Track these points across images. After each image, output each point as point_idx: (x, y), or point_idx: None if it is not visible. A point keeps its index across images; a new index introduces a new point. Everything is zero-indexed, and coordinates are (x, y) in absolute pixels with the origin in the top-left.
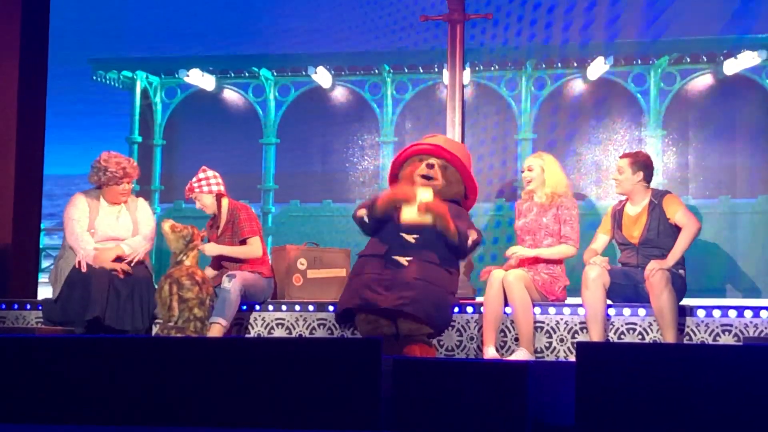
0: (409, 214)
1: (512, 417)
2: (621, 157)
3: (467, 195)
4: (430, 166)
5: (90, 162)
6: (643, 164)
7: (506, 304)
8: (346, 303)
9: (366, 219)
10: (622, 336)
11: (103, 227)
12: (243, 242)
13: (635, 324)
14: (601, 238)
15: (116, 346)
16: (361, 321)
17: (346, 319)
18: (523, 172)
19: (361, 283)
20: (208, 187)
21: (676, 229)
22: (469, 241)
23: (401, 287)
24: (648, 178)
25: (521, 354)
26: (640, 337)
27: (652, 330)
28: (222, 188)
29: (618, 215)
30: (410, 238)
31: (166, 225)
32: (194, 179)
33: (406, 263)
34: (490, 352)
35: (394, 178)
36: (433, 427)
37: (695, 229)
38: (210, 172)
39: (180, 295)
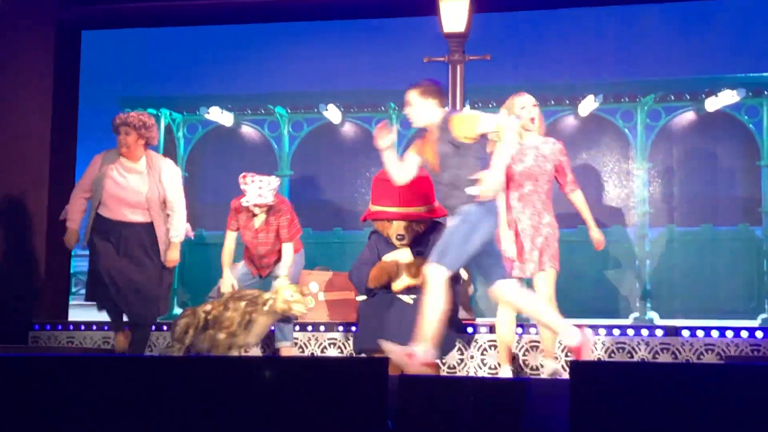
0: (398, 285)
1: (510, 429)
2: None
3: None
4: (400, 238)
5: None
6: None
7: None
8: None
9: (366, 296)
10: (612, 354)
11: (110, 186)
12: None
13: (624, 343)
14: None
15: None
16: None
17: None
18: (523, 108)
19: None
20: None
21: None
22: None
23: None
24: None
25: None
26: (629, 355)
27: (640, 349)
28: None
29: None
30: (408, 299)
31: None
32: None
33: (411, 302)
34: (503, 372)
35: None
36: None
37: None
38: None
39: (250, 318)
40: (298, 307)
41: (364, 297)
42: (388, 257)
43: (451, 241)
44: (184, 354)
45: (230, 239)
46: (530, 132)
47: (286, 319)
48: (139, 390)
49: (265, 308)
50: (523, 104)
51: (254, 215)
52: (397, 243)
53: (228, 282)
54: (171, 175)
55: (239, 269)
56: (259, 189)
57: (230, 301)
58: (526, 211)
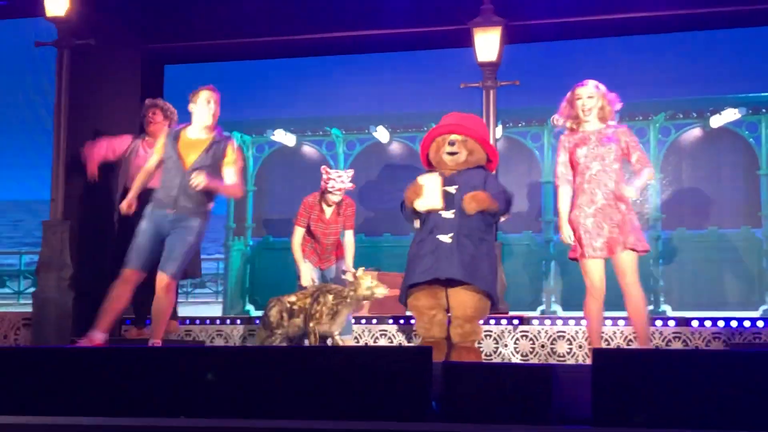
0: (423, 205)
1: (540, 410)
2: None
3: (490, 159)
4: (452, 143)
5: None
6: None
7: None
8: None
9: (410, 212)
10: (630, 343)
11: (136, 158)
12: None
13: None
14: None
15: (223, 354)
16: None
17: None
18: (579, 99)
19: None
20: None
21: None
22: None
23: (449, 262)
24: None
25: None
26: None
27: (654, 338)
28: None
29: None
30: (446, 238)
31: (367, 280)
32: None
33: (448, 240)
34: None
35: (425, 161)
36: (474, 417)
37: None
38: (329, 173)
39: (337, 310)
40: (379, 291)
41: (417, 224)
42: (421, 178)
43: None
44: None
45: (299, 234)
46: (586, 121)
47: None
48: (217, 378)
49: (349, 300)
50: (579, 95)
51: (324, 209)
52: (447, 157)
53: (307, 275)
54: None
55: (308, 266)
56: (339, 177)
57: (319, 295)
58: (597, 192)
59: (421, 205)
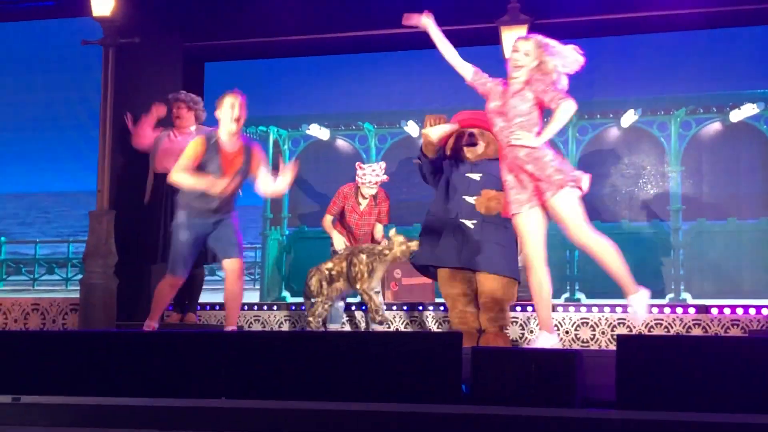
0: (429, 132)
1: (565, 394)
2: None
3: None
4: (471, 135)
5: None
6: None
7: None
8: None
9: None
10: (651, 330)
11: (163, 145)
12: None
13: (662, 320)
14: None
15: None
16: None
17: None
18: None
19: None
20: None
21: None
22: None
23: (476, 252)
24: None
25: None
26: (666, 330)
27: (675, 325)
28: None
29: (215, 145)
30: (470, 224)
31: (400, 237)
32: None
33: (471, 226)
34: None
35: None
36: (502, 400)
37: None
38: (363, 168)
39: (373, 267)
40: (414, 244)
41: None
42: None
43: None
44: (328, 307)
45: (328, 221)
46: (513, 77)
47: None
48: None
49: (383, 257)
50: (516, 48)
51: (360, 200)
52: (466, 149)
53: (339, 240)
54: None
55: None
56: (373, 171)
57: (352, 258)
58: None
59: (433, 133)
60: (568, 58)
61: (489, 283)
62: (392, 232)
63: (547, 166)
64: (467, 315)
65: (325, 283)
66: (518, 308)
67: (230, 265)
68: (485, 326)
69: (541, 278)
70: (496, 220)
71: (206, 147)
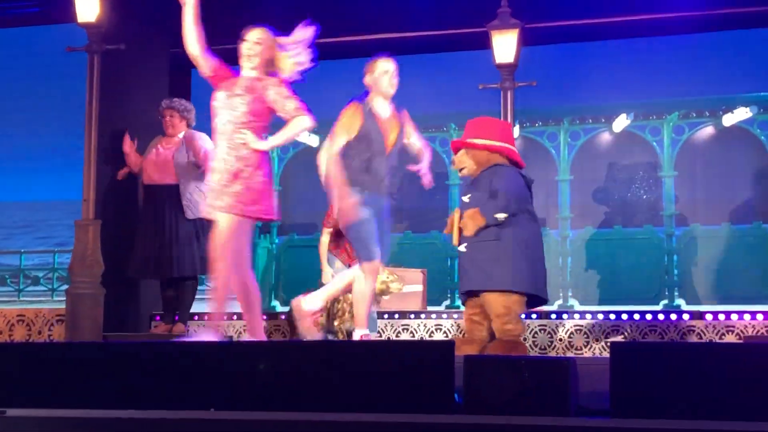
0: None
1: (558, 402)
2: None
3: (509, 157)
4: (453, 162)
5: None
6: None
7: None
8: None
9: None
10: (645, 336)
11: (150, 156)
12: None
13: (656, 326)
14: (343, 140)
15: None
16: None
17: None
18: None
19: None
20: None
21: None
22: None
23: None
24: None
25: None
26: (660, 337)
27: (669, 331)
28: None
29: (369, 113)
30: (462, 248)
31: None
32: None
33: (464, 250)
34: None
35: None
36: (495, 409)
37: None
38: None
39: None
40: (395, 285)
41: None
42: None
43: None
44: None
45: (327, 236)
46: (241, 66)
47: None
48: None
49: None
50: (258, 40)
51: None
52: (458, 174)
53: (329, 274)
54: (201, 141)
55: (335, 264)
56: None
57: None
58: (223, 144)
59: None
60: (301, 57)
61: (486, 299)
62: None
63: (252, 187)
64: (473, 326)
65: None
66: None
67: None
68: (497, 336)
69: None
70: (487, 236)
71: (364, 114)
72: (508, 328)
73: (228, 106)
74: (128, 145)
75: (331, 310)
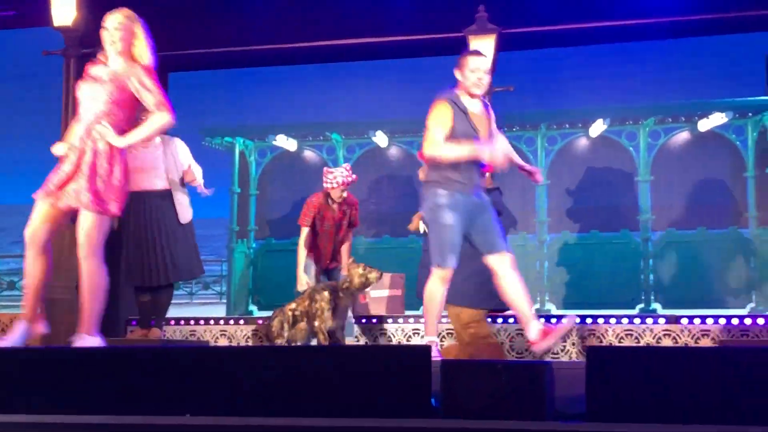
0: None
1: (535, 406)
2: (481, 56)
3: None
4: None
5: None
6: None
7: None
8: None
9: None
10: (621, 340)
11: (129, 160)
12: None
13: (632, 330)
14: (442, 132)
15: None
16: None
17: None
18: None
19: None
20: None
21: None
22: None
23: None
24: None
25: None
26: (636, 341)
27: (645, 335)
28: (332, 184)
29: (460, 107)
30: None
31: (359, 269)
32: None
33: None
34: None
35: None
36: (472, 413)
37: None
38: (331, 172)
39: (336, 304)
40: (372, 276)
41: None
42: None
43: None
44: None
45: (306, 234)
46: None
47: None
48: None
49: (347, 291)
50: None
51: (330, 206)
52: None
53: (303, 281)
54: (181, 146)
55: (311, 268)
56: (342, 173)
57: (315, 294)
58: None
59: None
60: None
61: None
62: (350, 262)
63: (89, 179)
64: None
65: (287, 326)
66: (488, 320)
67: (501, 260)
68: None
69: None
70: (425, 245)
71: (454, 111)
72: (466, 336)
73: (90, 95)
74: None
75: (309, 311)
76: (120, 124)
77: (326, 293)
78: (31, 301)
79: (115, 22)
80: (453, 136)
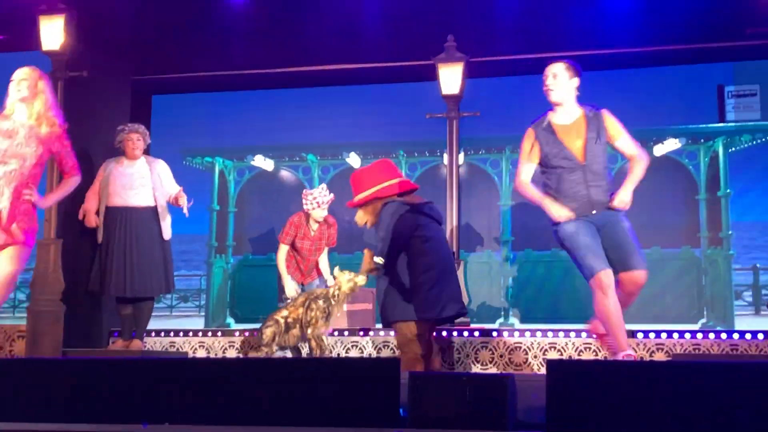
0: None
1: (498, 417)
2: (554, 63)
3: (396, 192)
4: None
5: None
6: (577, 71)
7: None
8: None
9: None
10: (580, 353)
11: (116, 175)
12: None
13: (590, 344)
14: (528, 168)
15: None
16: None
17: None
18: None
19: None
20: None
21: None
22: (376, 262)
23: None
24: (578, 87)
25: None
26: (594, 354)
27: (602, 348)
28: (312, 205)
29: (547, 129)
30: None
31: (345, 275)
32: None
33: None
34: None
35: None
36: (438, 423)
37: (648, 162)
38: (311, 193)
39: (329, 311)
40: (360, 280)
41: None
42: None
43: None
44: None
45: (284, 251)
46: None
47: None
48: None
49: (338, 297)
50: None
51: (311, 226)
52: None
53: (291, 287)
54: (165, 167)
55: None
56: (320, 193)
57: (310, 303)
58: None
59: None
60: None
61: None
62: (336, 270)
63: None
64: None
65: (277, 336)
66: (455, 333)
67: (636, 278)
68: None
69: None
70: (388, 271)
71: (536, 135)
72: (404, 351)
73: (15, 154)
74: (93, 222)
75: (303, 319)
76: (35, 182)
77: (321, 302)
78: None
79: (21, 75)
80: (543, 162)
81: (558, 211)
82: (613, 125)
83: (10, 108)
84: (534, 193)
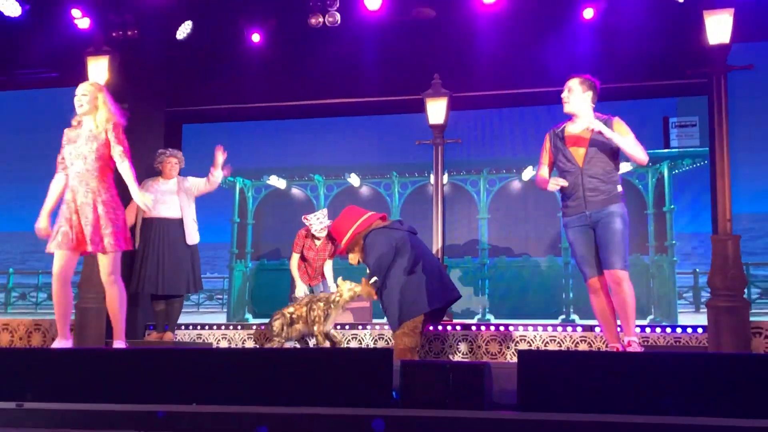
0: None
1: (476, 398)
2: (571, 77)
3: (372, 225)
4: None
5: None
6: (592, 84)
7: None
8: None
9: None
10: (547, 345)
11: (153, 192)
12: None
13: (555, 337)
14: (543, 170)
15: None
16: None
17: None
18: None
19: None
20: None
21: (617, 154)
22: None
23: None
24: (594, 99)
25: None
26: (558, 345)
27: (566, 341)
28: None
29: (559, 136)
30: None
31: (347, 284)
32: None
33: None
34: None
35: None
36: (425, 404)
37: (642, 158)
38: (308, 219)
39: (329, 312)
40: (358, 289)
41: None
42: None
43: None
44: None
45: (296, 258)
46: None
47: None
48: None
49: (338, 302)
50: None
51: (315, 241)
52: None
53: (301, 289)
54: (192, 179)
55: (300, 282)
56: (318, 220)
57: (312, 303)
58: (79, 189)
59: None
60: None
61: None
62: (339, 279)
63: (110, 223)
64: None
65: (285, 327)
66: (440, 327)
67: (613, 276)
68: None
69: None
70: (380, 291)
71: (550, 142)
72: (397, 342)
73: (78, 155)
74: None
75: (308, 317)
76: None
77: (321, 303)
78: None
79: (81, 90)
80: (555, 167)
81: (552, 185)
82: (621, 130)
83: (78, 119)
84: (543, 185)
